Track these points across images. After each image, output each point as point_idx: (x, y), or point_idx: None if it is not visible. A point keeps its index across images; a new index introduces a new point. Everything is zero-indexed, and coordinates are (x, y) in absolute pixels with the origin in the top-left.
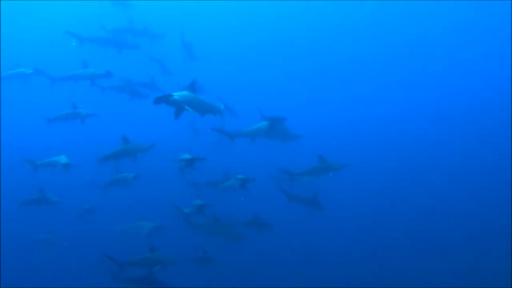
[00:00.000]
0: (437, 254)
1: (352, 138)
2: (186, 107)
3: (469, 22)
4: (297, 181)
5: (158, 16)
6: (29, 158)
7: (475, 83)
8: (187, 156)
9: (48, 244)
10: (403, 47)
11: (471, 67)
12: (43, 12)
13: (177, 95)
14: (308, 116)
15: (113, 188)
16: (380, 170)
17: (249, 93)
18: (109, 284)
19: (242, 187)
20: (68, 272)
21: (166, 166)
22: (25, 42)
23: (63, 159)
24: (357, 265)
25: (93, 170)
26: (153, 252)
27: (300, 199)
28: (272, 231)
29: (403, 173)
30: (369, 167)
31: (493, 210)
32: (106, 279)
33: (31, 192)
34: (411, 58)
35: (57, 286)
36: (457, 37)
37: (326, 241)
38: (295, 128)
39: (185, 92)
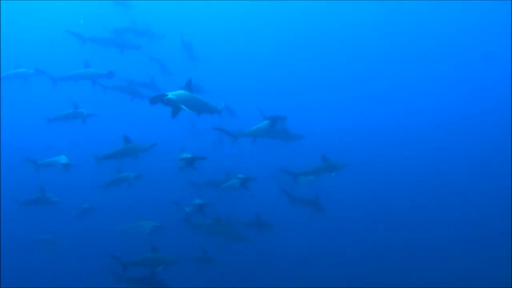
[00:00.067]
0: (438, 255)
1: (352, 139)
2: (182, 106)
3: (470, 23)
4: (299, 181)
5: (159, 16)
6: (30, 158)
7: (476, 84)
8: (187, 155)
9: (48, 244)
10: (404, 48)
11: (471, 68)
12: (44, 12)
13: (172, 94)
14: (309, 117)
15: (113, 188)
16: (380, 171)
17: (250, 94)
18: (110, 284)
19: (242, 187)
20: (68, 272)
21: (166, 166)
22: (26, 42)
23: (63, 159)
24: (357, 266)
25: (94, 170)
26: (155, 252)
27: (301, 201)
28: (273, 232)
29: (403, 175)
30: (369, 168)
31: (493, 212)
32: (106, 279)
33: (31, 192)
34: (411, 58)
35: (57, 286)
36: (458, 38)
37: (327, 241)
38: (296, 129)
39: (181, 91)
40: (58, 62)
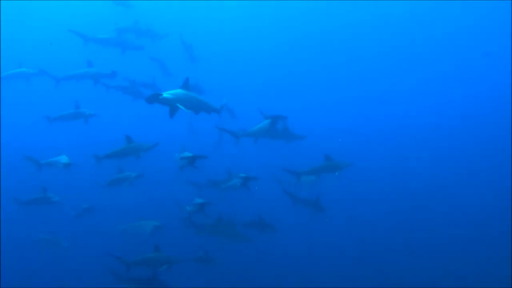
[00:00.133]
0: (438, 255)
1: (352, 139)
2: (179, 106)
3: (470, 23)
4: (302, 181)
5: (159, 16)
6: (33, 157)
7: (476, 84)
8: (188, 154)
9: (49, 244)
10: (404, 48)
11: (471, 68)
12: (46, 12)
13: (168, 93)
14: (309, 117)
15: (114, 187)
16: (380, 171)
17: (251, 94)
18: (110, 284)
19: (243, 186)
20: (68, 272)
21: (167, 165)
22: (28, 42)
23: (64, 158)
24: (358, 266)
25: (94, 170)
26: (157, 251)
27: (302, 201)
28: (274, 232)
29: (404, 175)
30: (369, 168)
31: (493, 212)
32: (106, 280)
33: (31, 192)
34: (411, 58)
35: (57, 286)
36: (459, 38)
37: (327, 241)
38: (297, 129)
39: (177, 91)
40: (60, 62)
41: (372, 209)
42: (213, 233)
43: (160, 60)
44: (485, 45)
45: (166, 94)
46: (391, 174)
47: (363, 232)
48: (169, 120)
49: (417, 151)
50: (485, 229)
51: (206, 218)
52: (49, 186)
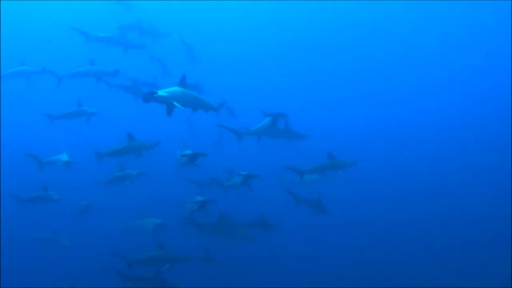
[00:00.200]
0: (438, 255)
1: (352, 139)
2: (175, 103)
3: (470, 23)
4: (305, 179)
5: (159, 16)
6: (35, 155)
7: (476, 84)
8: (188, 152)
9: (50, 243)
10: (405, 48)
11: (472, 68)
12: (48, 11)
13: (163, 91)
14: (309, 117)
15: (116, 186)
16: (381, 171)
17: (251, 94)
18: (112, 284)
19: (244, 184)
20: (69, 272)
21: (169, 164)
22: (30, 40)
23: (64, 157)
24: (358, 266)
25: (96, 169)
26: (161, 249)
27: (304, 201)
28: (276, 232)
29: (404, 175)
30: (370, 168)
31: (493, 212)
32: (108, 278)
33: (32, 191)
34: (413, 59)
35: (58, 286)
36: (459, 38)
37: (330, 241)
38: (298, 129)
39: (173, 88)
40: (62, 61)
41: (373, 209)
42: (215, 233)
43: (161, 60)
44: (485, 45)
45: (161, 92)
46: (391, 173)
47: (363, 232)
48: (169, 119)
49: (418, 151)
50: (485, 229)
51: (207, 216)
52: (49, 185)
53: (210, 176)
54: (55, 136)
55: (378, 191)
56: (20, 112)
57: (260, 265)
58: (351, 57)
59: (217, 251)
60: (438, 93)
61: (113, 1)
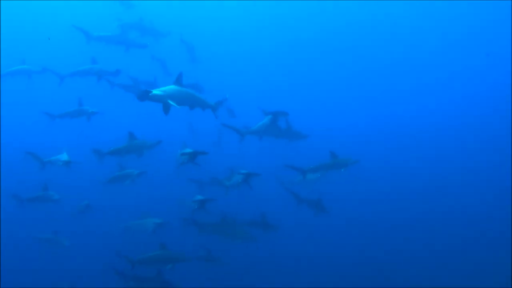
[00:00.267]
0: (438, 255)
1: (352, 139)
2: (170, 102)
3: (470, 23)
4: (306, 179)
5: (159, 16)
6: (36, 154)
7: (476, 85)
8: (188, 150)
9: (50, 243)
10: (405, 48)
11: (472, 68)
12: (49, 10)
13: (158, 90)
14: (309, 117)
15: (116, 185)
16: (381, 171)
17: (252, 94)
18: (113, 284)
19: (245, 182)
20: (70, 272)
21: (169, 164)
22: (31, 40)
23: (64, 156)
24: (358, 266)
25: (96, 169)
26: (163, 249)
27: (304, 201)
28: (277, 231)
29: (405, 175)
30: (369, 169)
31: (493, 212)
32: (108, 279)
33: (32, 191)
34: (413, 59)
35: (59, 286)
36: (459, 38)
37: (329, 242)
38: (298, 129)
39: (168, 87)
40: (63, 60)
41: (373, 209)
42: (215, 232)
43: (161, 59)
44: (485, 45)
45: (156, 91)
46: (391, 173)
47: (363, 232)
48: (170, 119)
49: (418, 151)
50: (485, 229)
51: (208, 215)
52: (49, 185)
53: (210, 175)
54: (56, 135)
55: (378, 191)
56: (20, 112)
57: (260, 265)
58: (351, 57)
59: (217, 251)
60: (438, 93)
61: (113, 0)
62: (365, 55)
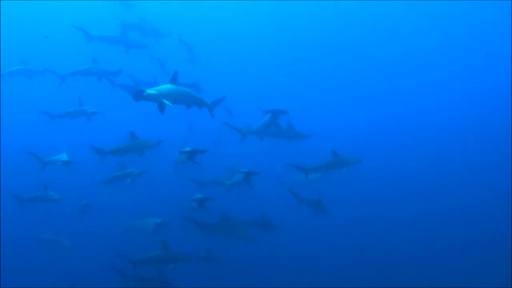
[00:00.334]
0: (438, 255)
1: (351, 139)
2: (165, 101)
3: (470, 23)
4: (307, 179)
5: (159, 16)
6: (36, 154)
7: (476, 85)
8: (188, 148)
9: (50, 243)
10: (405, 48)
11: (472, 68)
12: (49, 10)
13: (152, 89)
14: (309, 117)
15: (117, 185)
16: (381, 171)
17: (252, 94)
18: (113, 283)
19: (245, 181)
20: (70, 272)
21: (169, 164)
22: (32, 40)
23: (63, 156)
24: (358, 266)
25: (96, 168)
26: (165, 249)
27: (304, 201)
28: (277, 231)
29: (405, 175)
30: (369, 169)
31: (493, 212)
32: (108, 278)
33: (32, 191)
34: (413, 59)
35: (58, 286)
36: (459, 38)
37: (329, 242)
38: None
39: (163, 86)
40: (63, 60)
41: (373, 209)
42: (215, 232)
43: (161, 60)
44: (485, 45)
45: (150, 90)
46: (391, 173)
47: (363, 232)
48: (169, 119)
49: (418, 151)
50: (485, 229)
51: (207, 215)
52: (49, 185)
53: (210, 175)
54: (56, 135)
55: (378, 191)
56: (20, 112)
57: (260, 265)
58: (351, 57)
59: (217, 251)
60: (438, 93)
61: (114, 0)
62: (365, 55)
